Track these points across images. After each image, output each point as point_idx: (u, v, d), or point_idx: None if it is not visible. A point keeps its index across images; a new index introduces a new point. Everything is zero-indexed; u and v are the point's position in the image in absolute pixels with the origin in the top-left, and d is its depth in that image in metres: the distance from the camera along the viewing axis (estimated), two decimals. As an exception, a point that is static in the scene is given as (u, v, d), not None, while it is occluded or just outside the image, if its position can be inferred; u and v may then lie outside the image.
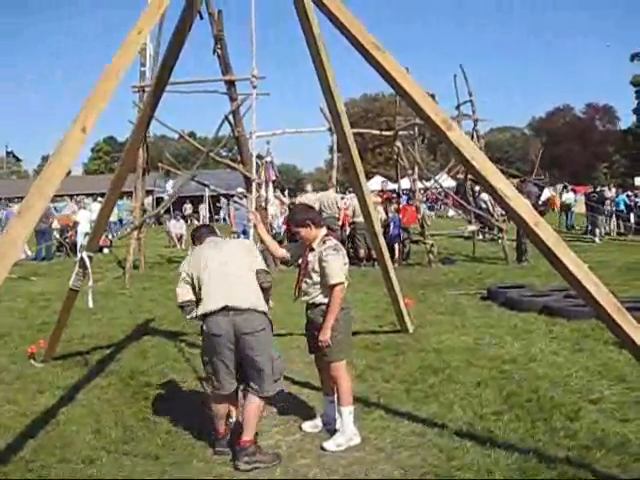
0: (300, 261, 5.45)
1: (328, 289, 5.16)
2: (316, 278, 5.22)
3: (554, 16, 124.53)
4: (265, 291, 5.07)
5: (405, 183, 20.06)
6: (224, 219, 34.99)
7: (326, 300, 5.19)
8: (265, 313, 4.98)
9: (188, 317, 5.12)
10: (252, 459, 4.80)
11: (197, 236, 5.52)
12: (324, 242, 5.26)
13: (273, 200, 19.43)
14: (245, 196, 16.27)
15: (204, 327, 4.92)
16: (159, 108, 6.57)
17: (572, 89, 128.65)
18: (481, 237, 19.87)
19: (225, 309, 4.79)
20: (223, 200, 33.74)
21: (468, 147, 4.57)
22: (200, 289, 4.97)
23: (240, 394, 5.27)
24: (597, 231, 21.64)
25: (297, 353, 7.56)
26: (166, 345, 8.45)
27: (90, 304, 7.06)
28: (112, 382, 6.95)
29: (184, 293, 5.09)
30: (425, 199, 25.38)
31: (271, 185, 19.02)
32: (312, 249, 5.28)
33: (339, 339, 5.17)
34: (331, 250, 5.18)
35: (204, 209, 36.34)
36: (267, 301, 5.12)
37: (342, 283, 5.16)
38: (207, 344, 4.98)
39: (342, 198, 17.23)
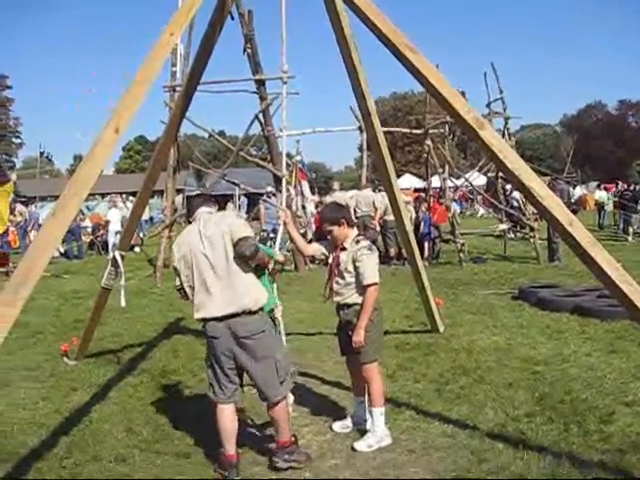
0: (330, 260, 5.40)
1: (362, 289, 5.13)
2: (349, 278, 5.18)
3: (584, 10, 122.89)
4: (248, 258, 4.70)
5: (435, 181, 19.94)
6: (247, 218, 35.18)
7: (359, 300, 5.16)
8: (261, 311, 4.78)
9: (182, 300, 5.03)
10: (290, 458, 4.76)
11: (190, 207, 5.15)
12: (357, 242, 5.20)
13: (311, 198, 19.41)
14: (274, 194, 16.30)
15: (205, 329, 4.81)
16: (190, 106, 6.59)
17: (604, 85, 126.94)
18: (512, 236, 19.67)
19: (218, 318, 4.66)
20: (244, 199, 34.06)
21: (500, 146, 4.53)
22: (193, 289, 4.80)
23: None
24: (630, 230, 21.29)
25: (327, 352, 7.57)
26: (197, 344, 8.48)
27: (122, 303, 7.10)
28: (143, 380, 7.01)
29: (177, 278, 4.93)
30: (455, 198, 25.16)
31: (306, 184, 19.03)
32: (344, 248, 5.23)
33: (372, 340, 5.14)
34: (365, 250, 5.13)
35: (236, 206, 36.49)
36: (264, 263, 5.00)
37: (377, 283, 5.13)
38: (209, 346, 4.84)
39: (377, 195, 17.03)
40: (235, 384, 4.84)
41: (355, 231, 5.35)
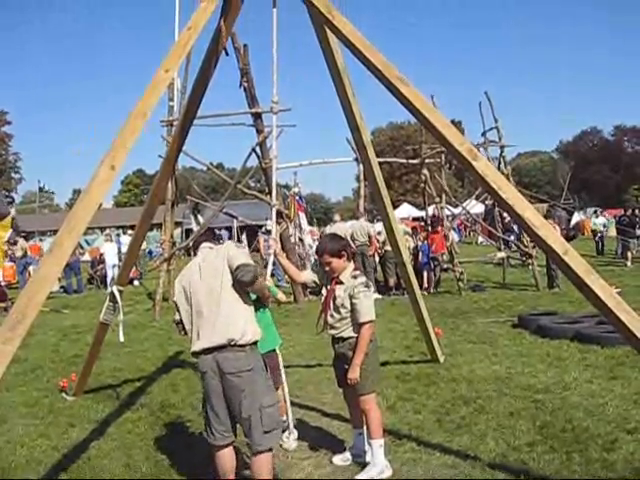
0: (324, 292, 5.39)
1: (357, 326, 5.12)
2: (344, 313, 5.15)
3: (577, 37, 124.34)
4: (247, 285, 4.55)
5: (433, 211, 20.00)
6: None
7: (354, 334, 5.14)
8: (253, 346, 4.58)
9: (183, 333, 4.88)
10: None
11: (195, 244, 5.21)
12: (355, 277, 5.18)
13: (308, 230, 19.46)
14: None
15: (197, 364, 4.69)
16: (188, 139, 6.64)
17: (600, 112, 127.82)
18: (512, 263, 19.68)
19: (207, 350, 4.50)
20: (224, 232, 34.13)
21: (494, 176, 4.56)
22: (191, 322, 4.69)
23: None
24: (629, 255, 21.32)
25: (327, 384, 7.52)
26: (196, 378, 8.42)
27: (121, 338, 7.11)
28: (143, 415, 6.97)
29: (176, 313, 4.85)
30: (454, 227, 25.19)
31: (303, 215, 19.07)
32: (340, 282, 5.21)
33: (367, 372, 5.12)
34: (362, 287, 5.11)
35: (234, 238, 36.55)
36: (264, 295, 4.92)
37: (372, 321, 5.13)
38: (202, 385, 4.71)
39: (372, 225, 17.17)
40: (225, 425, 4.61)
41: (352, 265, 5.33)
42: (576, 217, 39.84)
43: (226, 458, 4.67)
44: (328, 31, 5.53)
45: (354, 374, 5.05)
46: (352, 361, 5.08)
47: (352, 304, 5.10)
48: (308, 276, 5.69)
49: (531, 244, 16.74)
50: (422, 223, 20.95)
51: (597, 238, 26.50)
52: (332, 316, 5.23)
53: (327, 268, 5.27)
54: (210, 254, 4.79)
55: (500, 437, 5.71)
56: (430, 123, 4.66)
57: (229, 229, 36.83)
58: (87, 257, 24.85)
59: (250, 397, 4.44)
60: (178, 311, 4.82)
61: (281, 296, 5.30)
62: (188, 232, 31.64)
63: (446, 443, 5.66)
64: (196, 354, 4.61)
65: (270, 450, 4.53)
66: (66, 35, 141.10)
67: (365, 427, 5.32)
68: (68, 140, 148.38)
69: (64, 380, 8.01)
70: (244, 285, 4.56)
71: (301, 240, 17.94)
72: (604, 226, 27.62)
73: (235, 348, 4.46)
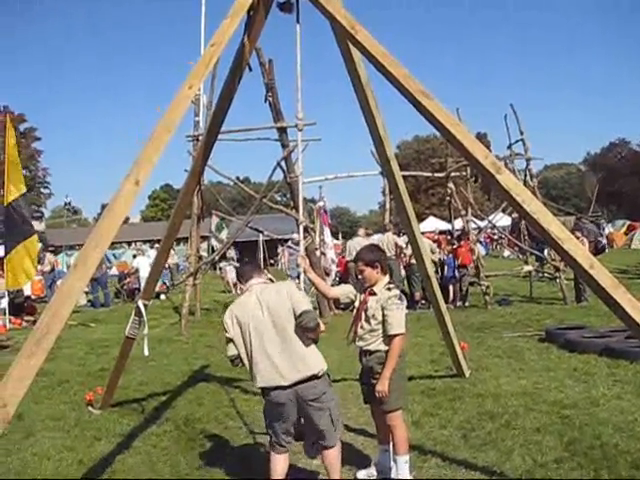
0: (356, 304, 5.39)
1: (388, 338, 5.12)
2: (375, 325, 5.16)
3: (604, 48, 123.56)
4: (310, 331, 4.77)
5: (459, 224, 19.91)
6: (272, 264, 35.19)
7: (383, 347, 5.14)
8: (323, 373, 4.81)
9: (236, 366, 5.00)
10: None
11: (241, 274, 5.27)
12: (389, 289, 5.20)
13: (331, 244, 19.46)
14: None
15: (265, 396, 4.82)
16: (215, 153, 6.70)
17: (627, 123, 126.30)
18: (540, 276, 19.50)
19: (281, 387, 4.68)
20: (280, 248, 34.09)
21: (518, 189, 4.52)
22: (251, 358, 4.80)
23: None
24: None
25: (352, 399, 7.51)
26: (222, 392, 8.48)
27: (146, 352, 7.15)
28: (168, 429, 6.99)
29: (231, 348, 4.91)
30: (480, 240, 25.03)
31: (327, 230, 19.08)
32: (373, 293, 5.22)
33: (393, 388, 5.10)
34: (396, 299, 5.12)
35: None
36: (315, 341, 4.98)
37: (403, 334, 5.12)
38: (268, 409, 4.89)
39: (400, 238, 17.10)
40: (291, 436, 4.93)
41: (387, 278, 5.32)
42: (605, 230, 39.40)
43: (283, 463, 4.95)
44: (351, 45, 5.55)
45: (383, 387, 5.03)
46: (381, 374, 5.07)
47: (384, 315, 5.10)
48: (344, 290, 5.73)
49: (558, 257, 16.57)
50: (447, 236, 20.85)
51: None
52: (362, 327, 5.24)
53: (360, 276, 5.33)
54: (268, 291, 4.93)
55: (527, 453, 5.63)
56: (453, 137, 4.64)
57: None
58: (114, 271, 25.07)
59: (327, 413, 4.78)
60: (234, 347, 4.89)
61: (323, 327, 5.35)
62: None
63: (472, 459, 5.60)
64: (270, 389, 4.73)
65: (338, 442, 4.96)
66: (95, 52, 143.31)
67: (391, 443, 5.29)
68: (97, 155, 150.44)
69: (90, 393, 8.06)
70: (307, 331, 4.75)
71: (324, 254, 17.91)
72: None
73: (313, 378, 4.73)
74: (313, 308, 5.02)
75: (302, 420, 4.87)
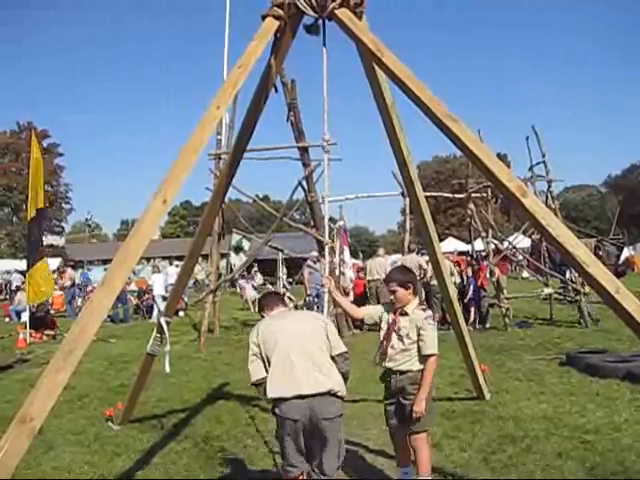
0: (384, 324, 5.38)
1: (422, 358, 5.14)
2: (409, 345, 5.17)
3: (622, 71, 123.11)
4: (342, 375, 4.75)
5: (479, 245, 19.83)
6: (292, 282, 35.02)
7: (415, 368, 5.16)
8: (342, 398, 4.72)
9: (264, 397, 4.75)
10: None
11: (265, 303, 5.24)
12: (423, 310, 5.25)
13: (350, 264, 19.44)
14: (319, 260, 16.41)
15: (277, 410, 4.63)
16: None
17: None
18: (561, 298, 19.35)
19: (299, 396, 4.53)
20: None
21: (543, 213, 4.52)
22: (270, 366, 4.70)
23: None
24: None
25: (371, 420, 7.49)
26: (240, 410, 8.48)
27: (167, 369, 7.17)
28: (187, 447, 7.01)
29: (256, 371, 4.76)
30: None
31: (347, 249, 19.09)
32: (405, 313, 5.24)
33: (427, 409, 5.14)
34: (430, 320, 5.18)
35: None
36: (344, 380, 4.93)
37: (437, 354, 5.16)
38: (280, 426, 4.66)
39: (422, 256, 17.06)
40: (303, 456, 4.74)
41: (417, 300, 5.36)
42: (625, 252, 39.01)
43: None
44: (376, 67, 5.59)
45: (420, 407, 5.06)
46: (418, 395, 5.09)
47: (419, 335, 5.14)
48: (368, 311, 5.74)
49: (580, 279, 16.44)
50: (466, 257, 20.76)
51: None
52: (393, 347, 5.24)
53: (392, 297, 5.34)
54: (295, 314, 5.28)
55: (548, 478, 5.58)
56: (479, 159, 4.65)
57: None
58: (134, 287, 25.17)
59: (335, 441, 4.64)
60: (259, 368, 4.77)
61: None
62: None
63: (493, 483, 5.56)
64: (284, 400, 4.58)
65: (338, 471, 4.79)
66: (118, 69, 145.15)
67: (413, 465, 5.27)
68: (117, 170, 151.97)
69: (110, 409, 8.11)
70: (341, 375, 4.74)
71: (343, 274, 17.90)
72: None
73: (333, 396, 4.62)
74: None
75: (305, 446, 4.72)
